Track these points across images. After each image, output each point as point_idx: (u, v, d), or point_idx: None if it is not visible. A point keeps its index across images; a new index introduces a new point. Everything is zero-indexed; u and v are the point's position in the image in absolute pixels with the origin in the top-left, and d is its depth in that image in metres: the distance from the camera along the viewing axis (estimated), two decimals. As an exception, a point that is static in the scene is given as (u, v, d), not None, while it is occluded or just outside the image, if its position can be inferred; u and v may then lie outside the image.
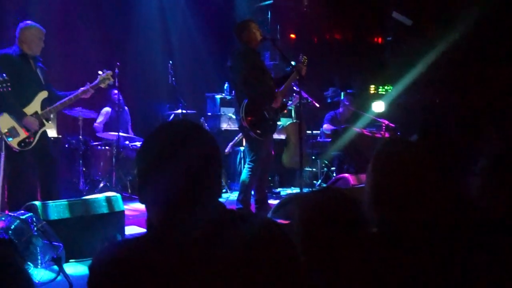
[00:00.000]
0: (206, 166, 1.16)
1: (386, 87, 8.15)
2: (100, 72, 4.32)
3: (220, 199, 1.24)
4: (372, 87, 8.18)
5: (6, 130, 3.84)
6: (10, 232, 2.61)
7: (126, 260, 1.04)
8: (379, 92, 8.06)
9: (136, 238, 1.15)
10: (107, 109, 6.64)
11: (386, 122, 6.68)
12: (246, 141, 4.60)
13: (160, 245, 1.07)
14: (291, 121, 7.26)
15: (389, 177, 1.32)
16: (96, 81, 4.25)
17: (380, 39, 9.47)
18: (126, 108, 6.73)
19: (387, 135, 6.56)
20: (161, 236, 1.11)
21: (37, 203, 3.26)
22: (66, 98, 4.13)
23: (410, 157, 1.31)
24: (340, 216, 1.37)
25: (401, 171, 1.30)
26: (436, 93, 7.09)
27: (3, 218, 2.74)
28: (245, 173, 4.52)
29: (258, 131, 4.43)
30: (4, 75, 3.65)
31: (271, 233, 1.17)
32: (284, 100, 4.99)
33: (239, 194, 4.58)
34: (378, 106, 7.11)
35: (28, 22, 4.12)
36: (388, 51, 8.98)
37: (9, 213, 2.86)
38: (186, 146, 1.14)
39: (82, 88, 4.18)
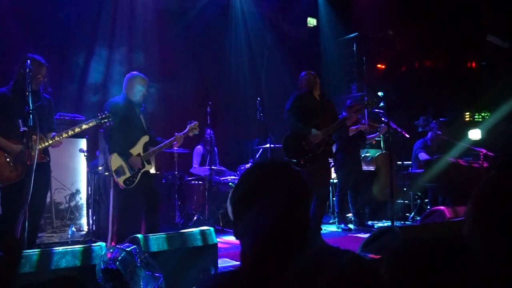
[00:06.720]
0: (296, 203, 1.22)
1: (483, 114, 7.71)
2: (189, 122, 4.79)
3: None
4: (467, 114, 7.78)
5: (115, 169, 4.25)
6: (117, 263, 2.85)
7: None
8: (475, 119, 7.64)
9: (233, 271, 1.23)
10: (199, 148, 7.02)
11: (484, 151, 6.29)
12: None
13: (255, 279, 1.14)
14: (380, 152, 7.10)
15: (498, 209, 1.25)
16: (185, 130, 4.73)
17: (473, 64, 9.05)
18: (215, 148, 7.07)
19: (485, 165, 6.17)
20: (255, 270, 1.18)
21: (140, 236, 3.50)
22: (162, 144, 4.58)
23: None
24: (437, 252, 1.34)
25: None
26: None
27: (111, 250, 3.00)
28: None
29: (294, 160, 4.81)
30: (107, 112, 4.08)
31: (360, 269, 1.18)
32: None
33: None
34: (475, 134, 6.74)
35: (134, 72, 4.60)
36: (484, 76, 8.52)
37: (117, 245, 3.12)
38: (277, 186, 1.21)
39: (173, 137, 4.61)
